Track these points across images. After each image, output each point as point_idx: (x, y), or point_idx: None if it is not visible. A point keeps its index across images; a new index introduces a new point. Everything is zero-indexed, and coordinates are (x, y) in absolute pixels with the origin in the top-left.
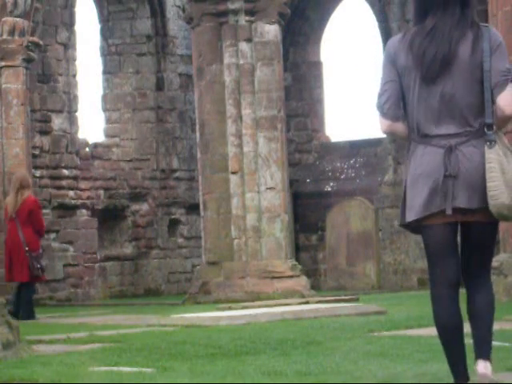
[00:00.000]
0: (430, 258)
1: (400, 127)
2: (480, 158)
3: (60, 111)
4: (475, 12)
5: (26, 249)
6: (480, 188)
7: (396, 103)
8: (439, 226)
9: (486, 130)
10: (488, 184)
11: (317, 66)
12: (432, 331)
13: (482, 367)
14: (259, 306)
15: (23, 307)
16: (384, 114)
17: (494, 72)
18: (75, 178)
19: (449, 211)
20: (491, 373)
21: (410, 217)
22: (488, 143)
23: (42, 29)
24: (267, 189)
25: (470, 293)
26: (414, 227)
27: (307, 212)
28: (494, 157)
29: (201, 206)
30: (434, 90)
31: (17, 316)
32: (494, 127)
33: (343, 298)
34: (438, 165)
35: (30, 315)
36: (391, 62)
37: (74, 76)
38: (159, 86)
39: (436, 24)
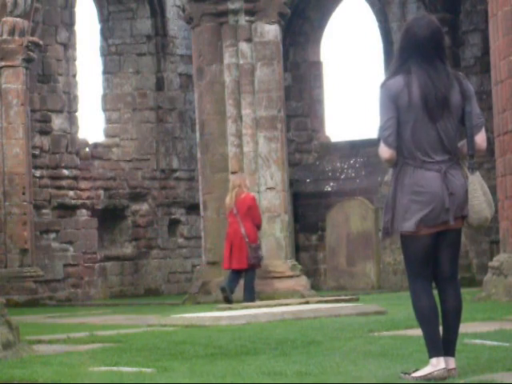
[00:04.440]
0: (418, 260)
1: (396, 155)
2: (461, 178)
3: (60, 111)
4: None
5: (246, 240)
6: (463, 202)
7: (396, 136)
8: (431, 234)
9: (469, 159)
10: (473, 202)
11: (317, 66)
12: None
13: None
14: (259, 306)
15: (246, 291)
16: (389, 145)
17: (473, 115)
18: (75, 178)
19: (452, 222)
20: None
21: (418, 227)
22: (470, 170)
23: (42, 29)
24: (267, 189)
25: (444, 296)
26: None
27: (307, 212)
28: (476, 180)
29: (201, 206)
30: (434, 127)
31: (230, 300)
32: (474, 157)
33: (343, 298)
34: (440, 186)
35: (252, 298)
36: (393, 100)
37: (74, 76)
38: (159, 85)
39: (429, 74)
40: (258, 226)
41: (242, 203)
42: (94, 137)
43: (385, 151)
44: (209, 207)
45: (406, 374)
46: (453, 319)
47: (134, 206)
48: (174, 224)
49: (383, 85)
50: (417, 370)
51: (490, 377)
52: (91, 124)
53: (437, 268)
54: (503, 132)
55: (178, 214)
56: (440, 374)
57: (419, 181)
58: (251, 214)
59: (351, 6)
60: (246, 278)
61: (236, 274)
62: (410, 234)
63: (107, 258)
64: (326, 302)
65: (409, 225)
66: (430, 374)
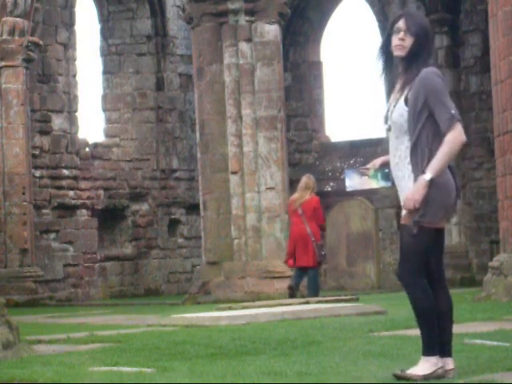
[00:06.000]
0: (423, 254)
1: None
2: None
3: (60, 111)
4: None
5: (313, 239)
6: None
7: None
8: (440, 229)
9: None
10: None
11: (317, 66)
12: None
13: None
14: (259, 306)
15: (310, 289)
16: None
17: None
18: (75, 178)
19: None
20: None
21: (441, 219)
22: None
23: (42, 29)
24: (267, 189)
25: (436, 296)
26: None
27: None
28: None
29: (201, 206)
30: None
31: (295, 295)
32: None
33: (343, 298)
34: (452, 179)
35: (317, 293)
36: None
37: (74, 76)
38: (159, 86)
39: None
40: (322, 227)
41: (308, 205)
42: (94, 137)
43: (463, 135)
44: (209, 207)
45: (401, 371)
46: (447, 319)
47: (134, 206)
48: (174, 224)
49: (435, 72)
50: (403, 370)
51: (490, 377)
52: (91, 124)
53: (427, 268)
54: (503, 132)
55: (178, 214)
56: (439, 372)
57: (444, 174)
58: (316, 214)
59: (351, 6)
60: (310, 276)
61: (302, 271)
62: (431, 226)
63: (107, 258)
64: (326, 301)
65: (434, 217)
66: (429, 373)
